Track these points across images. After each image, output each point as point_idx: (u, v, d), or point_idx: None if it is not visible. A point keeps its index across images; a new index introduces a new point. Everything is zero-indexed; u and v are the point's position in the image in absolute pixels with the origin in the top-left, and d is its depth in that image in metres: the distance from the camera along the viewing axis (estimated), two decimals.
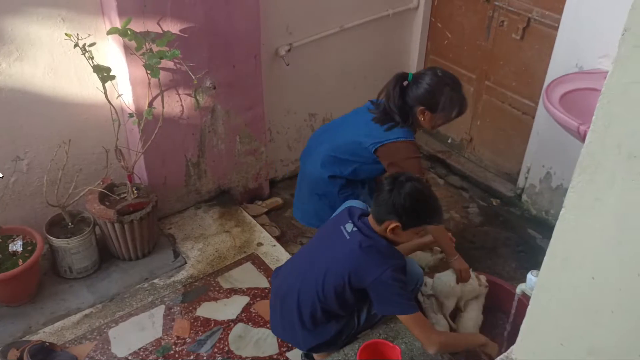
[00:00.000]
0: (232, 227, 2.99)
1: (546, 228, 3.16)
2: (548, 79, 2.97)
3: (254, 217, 3.16)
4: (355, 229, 2.00)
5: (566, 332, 1.61)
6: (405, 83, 2.40)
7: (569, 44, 2.86)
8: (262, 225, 3.11)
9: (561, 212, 1.49)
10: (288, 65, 3.13)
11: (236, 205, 3.15)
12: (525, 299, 2.31)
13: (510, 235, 3.25)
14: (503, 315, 2.55)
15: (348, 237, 2.00)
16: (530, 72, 3.19)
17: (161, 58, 2.32)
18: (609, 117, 1.31)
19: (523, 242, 3.20)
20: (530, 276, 2.01)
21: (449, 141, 3.89)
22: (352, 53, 3.48)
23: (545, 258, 1.58)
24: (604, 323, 1.50)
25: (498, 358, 1.82)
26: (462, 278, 2.42)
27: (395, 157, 2.37)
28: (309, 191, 2.62)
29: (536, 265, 2.57)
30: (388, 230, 1.95)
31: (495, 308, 2.58)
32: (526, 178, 3.31)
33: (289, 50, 3.12)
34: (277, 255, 2.82)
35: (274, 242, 2.91)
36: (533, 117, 3.19)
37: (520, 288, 2.10)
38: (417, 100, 2.37)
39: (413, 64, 3.83)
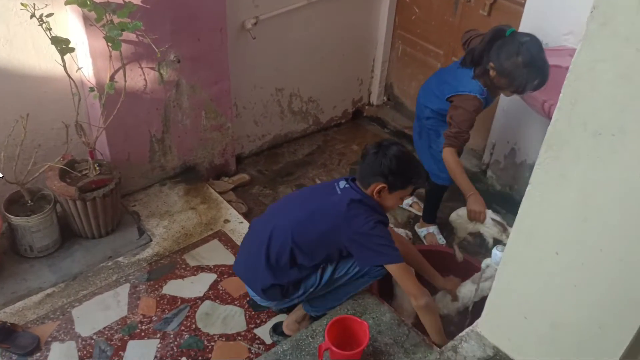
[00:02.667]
0: (198, 204, 2.95)
1: (510, 203, 3.21)
2: None
3: (221, 193, 3.12)
4: (347, 186, 2.08)
5: (530, 306, 1.64)
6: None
7: (535, 21, 2.87)
8: (229, 201, 3.07)
9: (527, 189, 1.51)
10: (254, 39, 3.07)
11: (202, 182, 3.11)
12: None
13: None
14: None
15: (339, 192, 2.05)
16: None
17: (123, 30, 2.24)
18: (576, 94, 1.32)
19: None
20: (495, 251, 2.04)
21: None
22: (319, 27, 3.43)
23: (511, 234, 1.61)
24: (567, 297, 1.53)
25: (463, 332, 1.85)
26: (471, 217, 2.48)
27: (457, 101, 2.51)
28: (417, 111, 2.84)
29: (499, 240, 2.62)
30: (375, 192, 2.01)
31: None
32: (491, 154, 3.35)
33: (255, 24, 3.06)
34: (244, 232, 2.79)
35: (241, 218, 2.88)
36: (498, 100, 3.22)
37: (486, 263, 2.14)
38: (494, 53, 2.40)
39: (381, 39, 3.80)
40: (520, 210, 1.54)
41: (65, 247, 2.64)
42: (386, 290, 2.46)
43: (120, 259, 2.62)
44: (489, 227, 2.45)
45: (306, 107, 3.71)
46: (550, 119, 2.51)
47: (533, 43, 2.35)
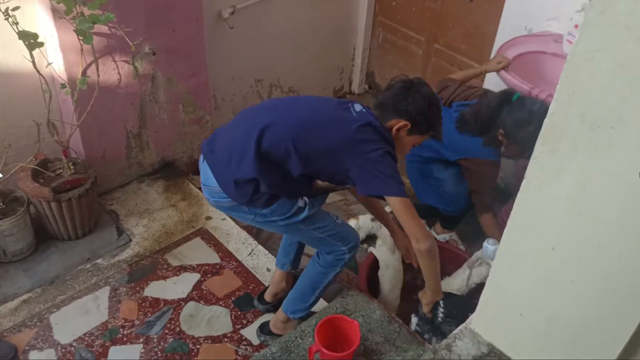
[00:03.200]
0: (178, 201, 2.86)
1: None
2: (498, 42, 2.94)
3: (201, 188, 3.03)
4: (364, 110, 1.89)
5: (525, 301, 1.60)
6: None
7: (519, 6, 2.83)
8: None
9: (522, 183, 1.46)
10: (232, 28, 2.98)
11: (182, 178, 3.02)
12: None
13: None
14: None
15: (354, 114, 1.86)
16: (479, 34, 3.15)
17: (94, 23, 2.13)
18: (574, 85, 1.26)
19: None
20: (486, 244, 2.00)
21: None
22: (298, 16, 3.35)
23: (506, 228, 1.56)
24: (563, 293, 1.49)
25: (457, 329, 1.81)
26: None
27: (477, 170, 2.48)
28: None
29: None
30: (394, 129, 1.86)
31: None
32: None
33: (232, 13, 2.96)
34: (227, 229, 2.73)
35: (223, 215, 2.80)
36: (482, 81, 3.17)
37: (476, 256, 2.10)
38: (505, 121, 2.34)
39: (361, 26, 3.73)
40: (515, 205, 1.49)
41: (41, 250, 2.54)
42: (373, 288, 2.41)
43: (99, 260, 2.52)
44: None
45: None
46: None
47: (544, 111, 2.29)
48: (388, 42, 3.72)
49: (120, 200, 2.83)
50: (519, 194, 1.48)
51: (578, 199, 1.36)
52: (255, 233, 2.77)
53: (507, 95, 2.37)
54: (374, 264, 2.50)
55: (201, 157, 1.99)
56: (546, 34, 2.73)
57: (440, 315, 2.09)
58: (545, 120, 1.35)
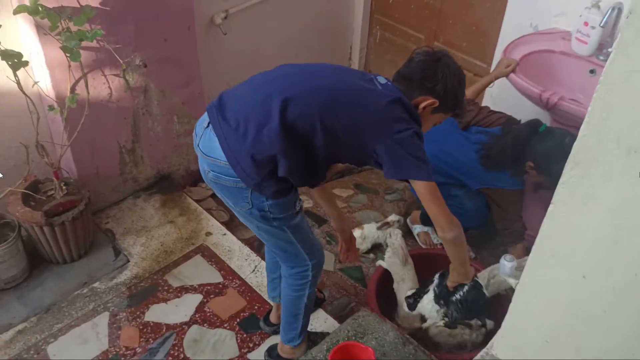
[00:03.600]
0: (176, 217, 2.76)
1: None
2: (501, 39, 2.84)
3: (199, 201, 2.93)
4: (389, 83, 1.70)
5: (552, 329, 1.52)
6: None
7: (523, 2, 2.72)
8: (209, 210, 2.89)
9: (549, 209, 1.36)
10: (226, 34, 2.86)
11: (179, 191, 2.91)
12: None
13: None
14: None
15: (379, 87, 1.66)
16: (481, 31, 3.04)
17: (81, 40, 2.01)
18: (608, 108, 1.17)
19: None
20: (503, 261, 1.92)
21: None
22: (292, 16, 3.23)
23: (531, 254, 1.47)
24: (595, 322, 1.41)
25: (478, 355, 1.72)
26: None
27: (503, 201, 2.45)
28: None
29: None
30: (420, 106, 1.68)
31: None
32: None
33: (225, 18, 2.84)
34: (228, 245, 2.62)
35: (224, 229, 2.70)
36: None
37: (493, 272, 2.01)
38: (535, 154, 2.28)
39: (357, 25, 3.61)
40: (541, 231, 1.40)
41: (35, 275, 2.43)
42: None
43: (96, 284, 2.42)
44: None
45: None
46: (549, 109, 2.41)
47: (574, 141, 2.23)
48: (386, 41, 3.60)
49: (115, 218, 2.72)
50: (545, 220, 1.39)
51: (611, 226, 1.27)
52: (257, 247, 2.67)
53: (534, 127, 2.32)
54: (383, 276, 2.42)
55: (203, 122, 1.74)
56: (553, 31, 2.62)
57: (457, 297, 2.05)
58: (576, 144, 1.26)
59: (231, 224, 2.87)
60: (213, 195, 3.08)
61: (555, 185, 2.18)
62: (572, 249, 1.37)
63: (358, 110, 1.62)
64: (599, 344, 1.43)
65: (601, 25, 2.38)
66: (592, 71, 2.49)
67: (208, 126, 1.69)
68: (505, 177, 2.40)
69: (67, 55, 2.08)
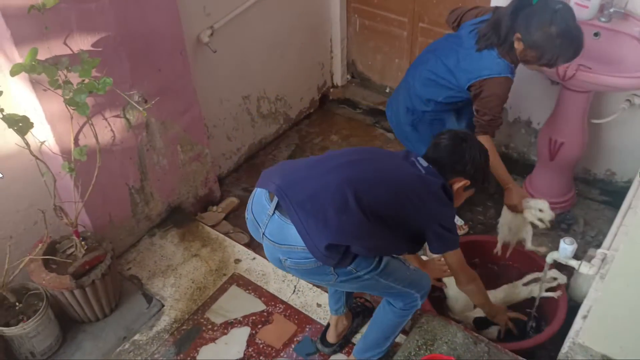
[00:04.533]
0: (199, 249, 2.65)
1: (505, 161, 3.03)
2: None
3: (213, 226, 2.83)
4: (430, 166, 1.78)
5: None
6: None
7: None
8: (227, 234, 2.79)
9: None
10: (215, 52, 2.73)
11: (193, 221, 2.79)
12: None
13: None
14: None
15: (423, 171, 1.76)
16: (470, 5, 2.99)
17: (90, 92, 1.86)
18: None
19: None
20: (563, 244, 1.90)
21: (387, 90, 3.68)
22: (275, 21, 3.11)
23: (623, 244, 1.46)
24: None
25: (566, 346, 1.72)
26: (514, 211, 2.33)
27: (486, 87, 2.22)
28: (403, 100, 2.52)
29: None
30: (455, 188, 1.82)
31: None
32: None
33: (211, 35, 2.70)
34: (260, 269, 2.54)
35: (252, 253, 2.61)
36: None
37: (552, 257, 1.99)
38: (523, 26, 2.11)
39: (335, 16, 3.51)
40: (635, 221, 1.37)
41: (69, 339, 2.31)
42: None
43: (136, 337, 2.31)
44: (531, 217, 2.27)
45: (275, 107, 3.41)
46: (564, 81, 2.39)
47: (567, 11, 2.09)
48: (367, 28, 3.52)
49: (136, 262, 2.60)
50: (636, 215, 1.36)
51: None
52: None
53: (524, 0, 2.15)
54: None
55: (263, 208, 1.74)
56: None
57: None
58: None
59: (252, 244, 2.77)
60: (226, 217, 2.98)
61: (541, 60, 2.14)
62: None
63: (414, 202, 1.72)
64: None
65: None
66: (596, 34, 2.49)
67: (273, 214, 1.71)
68: (493, 59, 2.21)
69: (73, 108, 1.93)
